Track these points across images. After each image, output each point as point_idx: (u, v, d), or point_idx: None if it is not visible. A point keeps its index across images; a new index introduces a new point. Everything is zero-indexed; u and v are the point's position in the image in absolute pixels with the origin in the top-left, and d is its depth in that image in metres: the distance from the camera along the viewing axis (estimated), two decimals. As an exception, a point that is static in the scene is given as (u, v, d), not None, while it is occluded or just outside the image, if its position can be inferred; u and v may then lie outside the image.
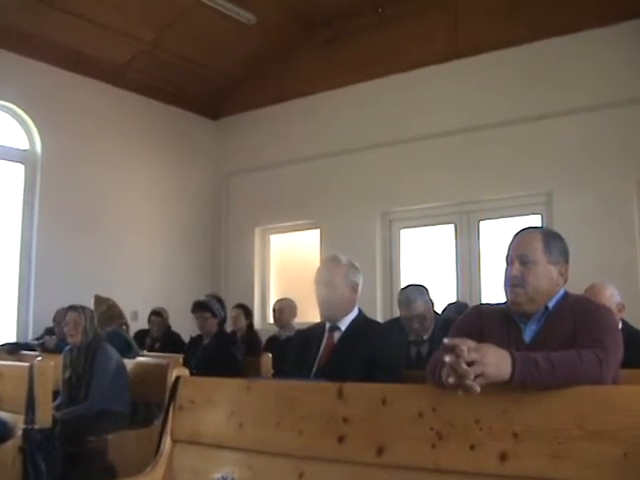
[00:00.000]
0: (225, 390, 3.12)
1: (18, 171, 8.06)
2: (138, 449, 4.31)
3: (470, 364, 2.18)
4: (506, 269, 2.73)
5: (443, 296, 7.84)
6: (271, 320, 8.35)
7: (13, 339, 7.58)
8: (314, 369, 3.58)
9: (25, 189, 8.05)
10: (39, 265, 7.95)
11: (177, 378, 3.32)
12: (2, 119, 7.96)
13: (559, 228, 7.15)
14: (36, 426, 4.14)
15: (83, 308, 5.29)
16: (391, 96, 8.48)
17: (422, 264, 8.34)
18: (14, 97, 7.86)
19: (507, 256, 2.75)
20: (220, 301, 6.44)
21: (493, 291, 7.69)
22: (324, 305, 3.65)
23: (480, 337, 2.67)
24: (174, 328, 7.96)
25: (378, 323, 4.06)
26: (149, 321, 7.81)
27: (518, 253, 2.69)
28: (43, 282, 7.92)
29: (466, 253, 7.95)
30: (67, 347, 5.29)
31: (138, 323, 8.19)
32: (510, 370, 2.22)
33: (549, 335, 2.60)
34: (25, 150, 8.11)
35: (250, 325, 7.42)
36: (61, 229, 8.09)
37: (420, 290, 4.63)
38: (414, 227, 8.50)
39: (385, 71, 8.51)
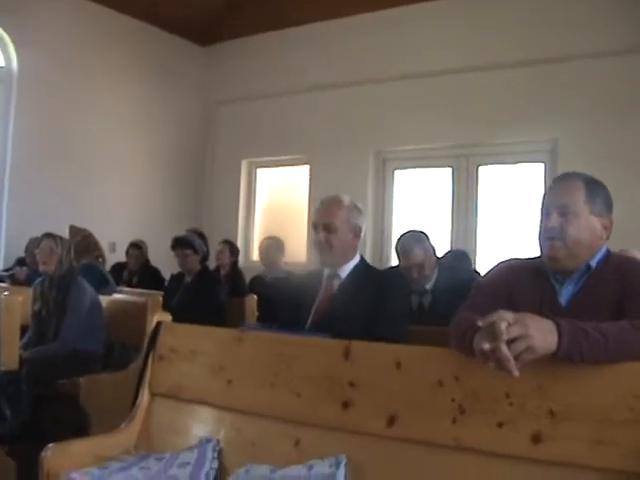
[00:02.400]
0: (213, 340, 2.80)
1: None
2: (112, 394, 4.03)
3: (512, 340, 1.85)
4: (541, 220, 2.39)
5: (437, 243, 7.58)
6: (255, 257, 8.07)
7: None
8: (309, 319, 3.28)
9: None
10: (12, 192, 7.48)
11: (158, 324, 3.01)
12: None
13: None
14: (1, 367, 3.82)
15: (60, 237, 4.91)
16: (392, 30, 8.03)
17: (416, 208, 7.99)
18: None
19: (543, 206, 2.40)
20: (202, 236, 6.07)
21: (489, 240, 7.41)
22: (323, 250, 3.31)
23: (509, 298, 2.36)
24: (153, 262, 7.61)
25: (381, 271, 3.72)
26: (127, 254, 7.45)
27: (557, 203, 2.34)
28: (15, 210, 7.47)
29: (463, 199, 7.60)
30: (38, 279, 4.91)
31: (116, 255, 7.83)
32: (557, 341, 1.89)
33: (590, 298, 2.27)
34: (1, 67, 7.58)
35: (235, 263, 7.09)
36: (37, 154, 7.62)
37: (418, 237, 4.27)
38: (409, 168, 8.12)
39: (387, 2, 8.01)
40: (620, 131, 6.65)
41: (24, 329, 4.77)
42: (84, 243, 6.03)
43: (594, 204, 2.32)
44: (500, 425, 2.05)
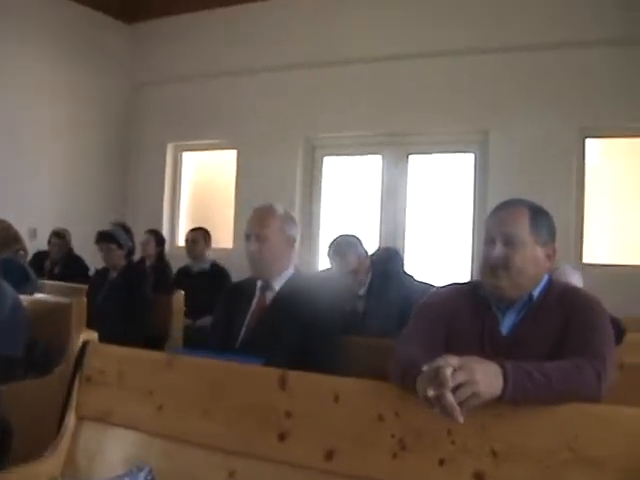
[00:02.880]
0: (142, 364, 2.69)
1: None
2: (36, 401, 3.88)
3: (457, 386, 1.81)
4: (485, 249, 2.35)
5: (365, 233, 7.55)
6: (181, 243, 7.92)
7: None
8: (242, 332, 3.19)
9: None
10: None
11: (84, 344, 2.88)
12: None
13: (494, 169, 6.94)
14: None
15: None
16: (323, 12, 7.91)
17: (345, 196, 7.93)
18: None
19: (487, 233, 2.36)
20: (127, 230, 5.91)
21: (418, 229, 7.41)
22: (255, 261, 3.22)
23: (448, 324, 2.32)
24: (76, 251, 7.41)
25: (317, 283, 3.64)
26: (49, 243, 7.23)
27: (502, 231, 2.30)
28: None
29: (392, 187, 7.56)
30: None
31: (37, 242, 7.55)
32: (502, 386, 1.86)
33: (532, 328, 2.26)
34: None
35: (161, 254, 6.94)
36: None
37: (351, 242, 4.23)
38: (338, 155, 8.04)
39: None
40: (552, 124, 6.67)
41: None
42: (3, 235, 5.76)
43: (539, 234, 2.30)
44: (441, 463, 2.01)
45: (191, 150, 9.11)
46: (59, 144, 8.45)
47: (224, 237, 8.31)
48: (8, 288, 4.52)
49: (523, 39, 6.81)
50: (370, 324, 4.00)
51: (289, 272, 3.28)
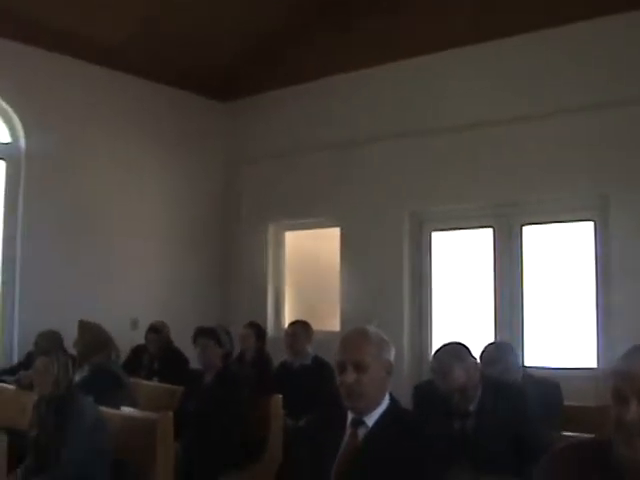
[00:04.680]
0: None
1: (-1, 168, 7.19)
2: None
3: None
4: (617, 408, 1.83)
5: (479, 315, 7.03)
6: (286, 325, 7.56)
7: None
8: (332, 473, 2.72)
9: (7, 189, 7.15)
10: (24, 276, 7.08)
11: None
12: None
13: (616, 237, 6.30)
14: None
15: (57, 352, 4.44)
16: (421, 80, 7.53)
17: (456, 273, 7.40)
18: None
19: (616, 389, 1.85)
20: (228, 333, 5.57)
21: (537, 309, 6.80)
22: (354, 395, 2.76)
23: None
24: (177, 341, 7.13)
25: (418, 418, 3.13)
26: (146, 339, 6.98)
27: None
28: (29, 295, 7.05)
29: (506, 262, 6.99)
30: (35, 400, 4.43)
31: (138, 332, 7.34)
32: None
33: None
34: (7, 144, 7.19)
35: (261, 348, 6.60)
36: (49, 234, 7.23)
37: (457, 354, 3.67)
38: (447, 230, 7.52)
39: (415, 50, 7.44)
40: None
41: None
42: (94, 341, 5.54)
43: None
44: None
45: (293, 229, 8.78)
46: (159, 232, 8.35)
47: (331, 320, 7.90)
48: (89, 406, 4.25)
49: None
50: (481, 446, 3.46)
51: (385, 403, 2.82)
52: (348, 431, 2.81)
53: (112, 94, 7.88)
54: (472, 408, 3.62)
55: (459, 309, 7.29)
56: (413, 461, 2.59)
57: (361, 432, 2.78)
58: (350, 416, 2.83)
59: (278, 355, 6.63)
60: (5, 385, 5.86)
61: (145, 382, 6.19)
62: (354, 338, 2.86)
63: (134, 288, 7.93)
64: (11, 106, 7.11)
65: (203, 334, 5.34)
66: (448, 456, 2.82)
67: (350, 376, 2.75)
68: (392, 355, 2.88)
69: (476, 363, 3.73)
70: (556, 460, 1.98)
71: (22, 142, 7.19)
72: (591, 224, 6.59)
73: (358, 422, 2.80)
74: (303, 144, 8.37)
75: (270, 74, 8.55)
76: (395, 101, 7.71)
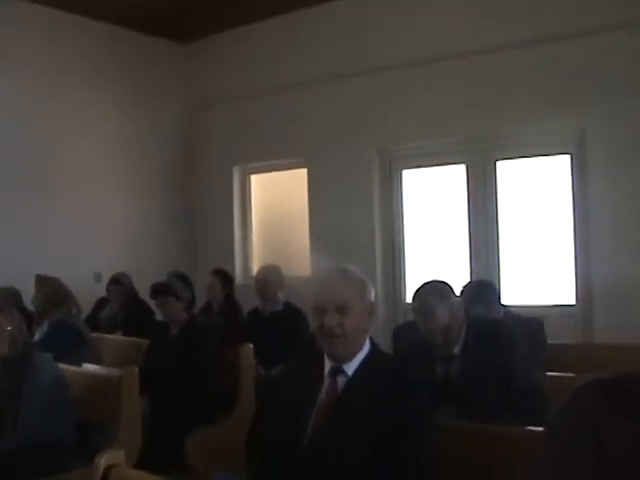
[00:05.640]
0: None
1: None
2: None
3: None
4: None
5: (453, 254, 6.83)
6: (255, 272, 7.32)
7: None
8: (308, 431, 2.54)
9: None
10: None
11: (108, 469, 2.29)
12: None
13: (593, 170, 6.10)
14: None
15: (10, 309, 4.15)
16: (389, 11, 7.17)
17: (429, 212, 7.17)
18: None
19: None
20: (185, 279, 5.35)
21: (512, 245, 6.62)
22: (334, 339, 2.57)
23: (596, 452, 1.50)
24: (145, 290, 6.83)
25: (399, 364, 2.90)
26: (107, 291, 6.71)
27: None
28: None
29: (480, 199, 6.76)
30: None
31: (102, 286, 7.02)
32: None
33: None
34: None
35: (229, 296, 6.36)
36: (2, 185, 6.85)
37: (440, 292, 3.43)
38: (418, 167, 7.25)
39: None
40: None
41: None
42: (53, 296, 5.27)
43: None
44: None
45: (259, 172, 8.48)
46: (118, 179, 8.01)
47: (301, 264, 7.66)
48: (45, 368, 3.99)
49: (621, 17, 5.92)
50: (466, 390, 3.27)
51: (365, 349, 2.64)
52: (327, 380, 2.61)
53: (65, 37, 7.49)
54: (456, 350, 3.42)
55: (433, 249, 7.08)
56: (396, 409, 2.41)
57: (340, 381, 2.60)
58: (328, 364, 2.63)
59: (248, 302, 6.37)
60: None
61: (109, 336, 5.94)
62: (335, 279, 2.66)
63: (97, 240, 7.64)
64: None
65: (159, 292, 5.11)
66: (432, 402, 2.63)
67: (332, 318, 2.56)
68: (373, 295, 2.69)
69: (460, 302, 3.52)
70: (571, 406, 1.70)
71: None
72: (567, 157, 6.36)
73: (337, 370, 2.61)
74: (265, 84, 8.03)
75: (230, 11, 8.09)
76: (358, 35, 7.37)
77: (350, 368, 2.58)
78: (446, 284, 3.54)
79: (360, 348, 2.61)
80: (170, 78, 8.64)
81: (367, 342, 2.65)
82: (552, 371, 3.90)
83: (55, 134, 7.38)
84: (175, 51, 8.74)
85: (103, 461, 2.32)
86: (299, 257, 7.79)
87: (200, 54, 8.73)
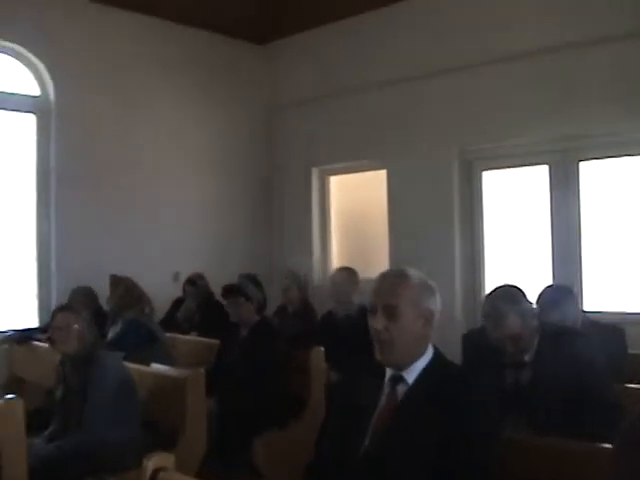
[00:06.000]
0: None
1: (29, 122, 6.91)
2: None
3: None
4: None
5: (535, 258, 6.62)
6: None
7: (35, 320, 6.64)
8: (367, 438, 2.45)
9: (38, 142, 6.89)
10: (59, 232, 6.85)
11: (156, 472, 2.25)
12: (8, 64, 6.77)
13: None
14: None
15: (79, 309, 4.21)
16: (472, 9, 6.97)
17: (509, 214, 6.96)
18: (20, 37, 6.65)
19: None
20: (256, 281, 5.33)
21: (595, 247, 6.37)
22: (382, 344, 2.47)
23: None
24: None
25: (463, 372, 2.71)
26: (183, 291, 6.77)
27: None
28: (65, 251, 6.83)
29: (563, 201, 6.51)
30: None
31: (180, 285, 7.06)
32: None
33: None
34: (37, 97, 6.93)
35: (304, 298, 6.31)
36: (83, 188, 6.94)
37: (511, 298, 3.29)
38: (499, 168, 7.05)
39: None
40: None
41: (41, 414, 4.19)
42: (127, 295, 5.34)
43: None
44: None
45: (338, 174, 8.42)
46: (194, 183, 8.04)
47: (379, 267, 7.53)
48: (112, 367, 4.03)
49: None
50: (537, 400, 3.12)
51: (427, 357, 2.51)
52: (386, 388, 2.52)
53: (145, 42, 7.58)
54: (527, 358, 3.27)
55: (513, 252, 6.88)
56: (459, 421, 2.28)
57: (400, 389, 2.49)
58: (389, 371, 2.53)
59: (325, 305, 6.31)
60: (39, 343, 5.72)
61: (183, 336, 5.98)
62: (388, 280, 2.54)
63: (176, 241, 7.69)
64: (40, 59, 6.84)
65: (229, 293, 5.13)
66: (498, 413, 2.50)
67: (379, 321, 2.46)
68: (436, 303, 2.53)
69: (532, 308, 3.36)
70: None
71: (52, 95, 6.92)
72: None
73: (397, 378, 2.51)
74: (346, 84, 7.96)
75: (308, 12, 8.08)
76: (438, 35, 7.19)
77: (410, 376, 2.48)
78: (518, 289, 3.40)
79: (418, 356, 2.49)
80: (249, 79, 8.65)
81: (429, 350, 2.53)
82: (633, 382, 3.70)
83: (135, 134, 7.47)
84: (254, 53, 8.75)
85: (151, 464, 2.29)
86: (378, 259, 7.67)
87: (279, 55, 8.73)
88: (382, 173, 7.82)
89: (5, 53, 6.71)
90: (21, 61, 6.83)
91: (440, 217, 7.17)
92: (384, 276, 2.58)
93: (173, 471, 2.31)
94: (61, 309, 4.21)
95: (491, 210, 7.10)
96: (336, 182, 8.54)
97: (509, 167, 6.98)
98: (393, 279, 2.53)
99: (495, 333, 3.27)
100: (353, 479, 2.41)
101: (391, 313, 2.44)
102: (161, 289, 6.64)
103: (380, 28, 7.69)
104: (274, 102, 8.79)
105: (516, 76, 6.64)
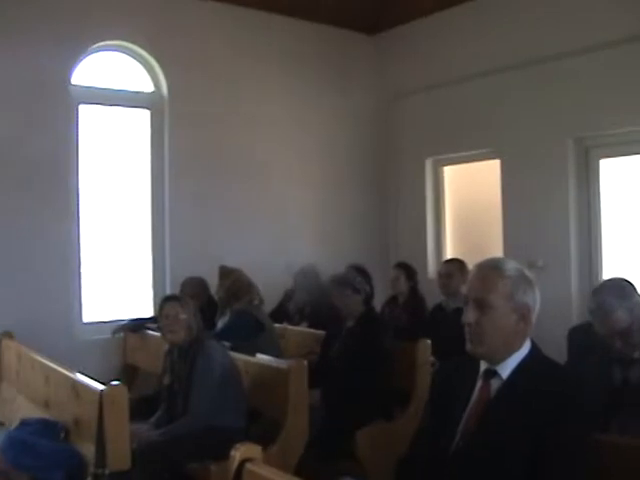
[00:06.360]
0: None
1: (144, 118, 7.13)
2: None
3: None
4: None
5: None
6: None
7: (150, 310, 6.82)
8: (459, 430, 2.40)
9: (153, 138, 7.10)
10: (173, 222, 7.04)
11: (242, 464, 2.24)
12: (122, 62, 7.01)
13: None
14: (107, 470, 3.26)
15: (186, 299, 4.32)
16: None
17: (627, 205, 6.66)
18: (134, 36, 6.86)
19: None
20: (363, 272, 5.24)
21: None
22: (472, 337, 2.40)
23: None
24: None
25: (562, 369, 2.62)
26: (295, 282, 6.82)
27: None
28: (178, 239, 7.02)
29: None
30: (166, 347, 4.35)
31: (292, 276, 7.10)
32: None
33: None
34: (151, 93, 7.14)
35: (414, 289, 6.23)
36: (197, 181, 7.13)
37: (620, 292, 3.14)
38: (617, 156, 6.74)
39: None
40: None
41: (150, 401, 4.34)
42: (235, 286, 5.43)
43: None
44: None
45: (452, 164, 8.28)
46: (307, 172, 8.07)
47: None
48: (217, 356, 4.11)
49: None
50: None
51: (522, 353, 2.42)
52: (479, 383, 2.45)
53: (256, 36, 7.66)
54: (637, 355, 3.11)
55: (633, 243, 6.58)
56: (552, 420, 2.19)
57: (494, 384, 2.42)
58: (483, 365, 2.46)
59: (439, 298, 6.24)
60: (151, 332, 5.89)
61: (291, 327, 6.03)
62: (483, 271, 2.47)
63: (289, 231, 7.78)
64: (153, 56, 7.02)
65: (336, 285, 5.09)
66: (601, 414, 2.39)
67: (470, 314, 2.40)
68: (534, 297, 2.43)
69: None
70: None
71: (165, 91, 7.09)
72: None
73: (490, 373, 2.43)
74: (457, 73, 7.80)
75: (412, 2, 7.99)
76: (549, 17, 6.94)
77: (504, 371, 2.40)
78: (628, 282, 3.25)
79: (513, 351, 2.41)
80: (362, 70, 8.64)
81: (526, 345, 2.43)
82: None
83: (246, 129, 7.56)
84: (367, 43, 8.71)
85: (238, 454, 2.31)
86: (492, 251, 7.50)
87: (391, 44, 8.64)
88: (495, 163, 7.65)
89: (121, 52, 6.93)
90: (135, 59, 7.03)
91: (555, 207, 6.94)
92: (479, 267, 2.50)
93: (260, 462, 2.32)
94: (168, 299, 4.34)
95: (609, 199, 6.81)
96: (450, 172, 8.41)
97: (629, 154, 6.66)
98: (487, 271, 2.45)
99: (602, 328, 3.13)
100: (443, 477, 2.36)
101: (482, 306, 2.37)
102: (273, 280, 6.73)
103: (490, 13, 7.50)
104: (388, 92, 8.69)
105: (634, 59, 6.34)
